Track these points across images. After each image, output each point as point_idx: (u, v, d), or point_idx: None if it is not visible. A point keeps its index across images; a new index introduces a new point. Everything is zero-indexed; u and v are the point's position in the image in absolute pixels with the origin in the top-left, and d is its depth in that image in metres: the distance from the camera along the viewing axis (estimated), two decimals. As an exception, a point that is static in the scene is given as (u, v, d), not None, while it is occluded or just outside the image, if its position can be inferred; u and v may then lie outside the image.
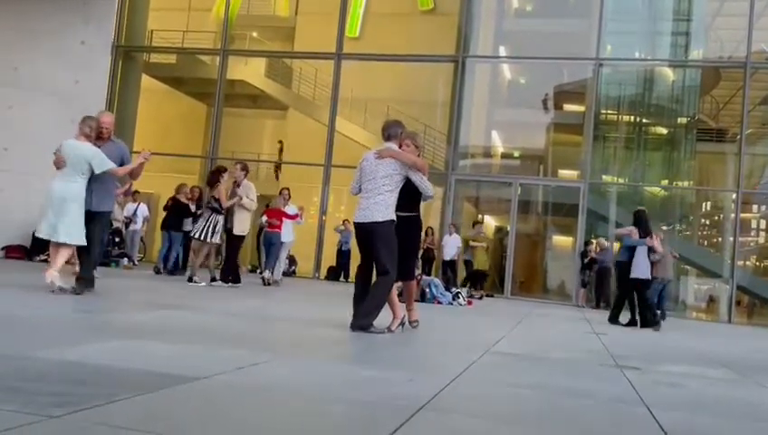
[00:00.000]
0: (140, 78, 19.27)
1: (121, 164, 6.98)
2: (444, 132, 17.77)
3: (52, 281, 6.48)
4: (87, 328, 4.66)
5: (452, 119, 17.10)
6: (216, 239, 10.46)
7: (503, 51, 19.86)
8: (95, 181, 6.79)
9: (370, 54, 18.11)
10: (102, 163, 6.69)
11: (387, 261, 5.60)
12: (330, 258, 17.17)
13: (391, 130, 5.93)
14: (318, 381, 3.49)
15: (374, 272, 5.84)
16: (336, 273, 16.93)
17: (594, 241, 15.74)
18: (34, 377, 2.85)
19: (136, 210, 14.30)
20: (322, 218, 17.16)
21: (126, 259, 13.79)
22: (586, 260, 15.42)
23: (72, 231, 6.57)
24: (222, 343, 4.54)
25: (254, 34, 21.67)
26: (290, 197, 12.33)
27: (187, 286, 9.63)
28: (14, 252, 13.25)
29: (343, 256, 16.89)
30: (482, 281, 15.50)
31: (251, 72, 20.37)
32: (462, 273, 15.56)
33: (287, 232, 12.04)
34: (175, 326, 5.21)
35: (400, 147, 5.88)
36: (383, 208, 5.59)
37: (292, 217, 12.02)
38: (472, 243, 15.27)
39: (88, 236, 6.67)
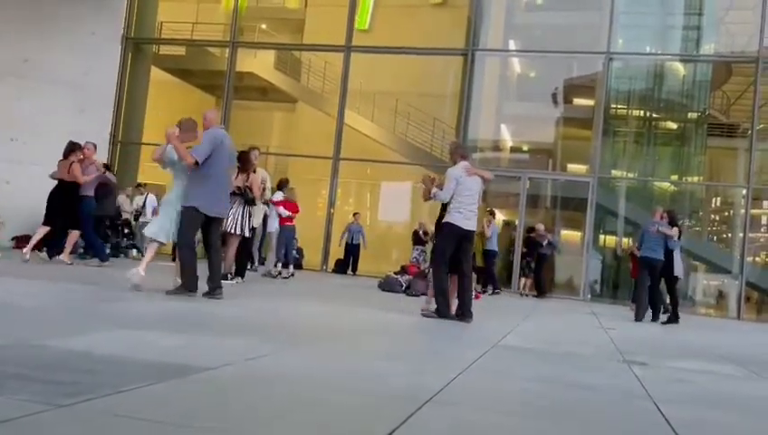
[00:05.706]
0: (150, 70, 19.29)
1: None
2: (452, 126, 17.71)
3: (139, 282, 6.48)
4: (95, 318, 4.69)
5: (461, 112, 17.03)
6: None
7: (512, 44, 19.74)
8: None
9: (380, 47, 18.05)
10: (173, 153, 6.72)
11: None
12: (337, 251, 17.18)
13: (465, 151, 7.41)
14: (325, 372, 3.50)
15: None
16: (344, 265, 16.93)
17: (535, 229, 15.60)
18: (44, 366, 2.87)
19: (145, 202, 14.37)
20: (330, 211, 17.17)
21: (135, 250, 13.89)
22: (542, 244, 15.27)
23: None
24: (231, 333, 4.56)
25: (264, 26, 21.63)
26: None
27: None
28: (25, 243, 13.29)
29: (352, 249, 16.90)
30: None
31: (260, 64, 20.36)
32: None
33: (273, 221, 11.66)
34: (183, 317, 5.23)
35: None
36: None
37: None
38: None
39: None
